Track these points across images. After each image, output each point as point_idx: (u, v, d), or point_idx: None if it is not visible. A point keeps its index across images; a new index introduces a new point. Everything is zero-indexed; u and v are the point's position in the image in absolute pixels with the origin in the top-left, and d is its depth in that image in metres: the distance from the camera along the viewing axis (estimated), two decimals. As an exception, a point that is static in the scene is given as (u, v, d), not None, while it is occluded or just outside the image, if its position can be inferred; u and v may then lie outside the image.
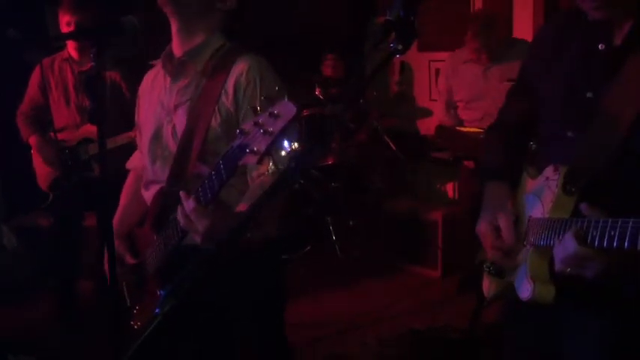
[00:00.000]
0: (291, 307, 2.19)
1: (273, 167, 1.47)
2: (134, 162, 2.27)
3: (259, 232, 1.70)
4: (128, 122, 3.12)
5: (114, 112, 3.35)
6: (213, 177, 1.62)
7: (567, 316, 1.57)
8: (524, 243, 1.56)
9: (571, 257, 1.29)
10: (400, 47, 1.11)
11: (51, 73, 3.65)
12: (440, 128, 4.41)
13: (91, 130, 3.52)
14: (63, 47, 3.67)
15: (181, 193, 1.71)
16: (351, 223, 4.95)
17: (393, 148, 4.97)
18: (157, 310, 1.08)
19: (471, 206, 1.99)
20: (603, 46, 1.47)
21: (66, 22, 3.51)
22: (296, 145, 1.36)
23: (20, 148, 3.85)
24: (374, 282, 4.55)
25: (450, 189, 5.22)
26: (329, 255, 4.80)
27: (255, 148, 1.41)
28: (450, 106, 4.44)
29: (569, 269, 1.32)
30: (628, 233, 1.15)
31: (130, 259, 2.10)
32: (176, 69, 1.97)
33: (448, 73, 4.44)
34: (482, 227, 1.66)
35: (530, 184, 1.63)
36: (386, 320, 3.96)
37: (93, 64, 1.65)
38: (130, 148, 2.59)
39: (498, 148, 1.82)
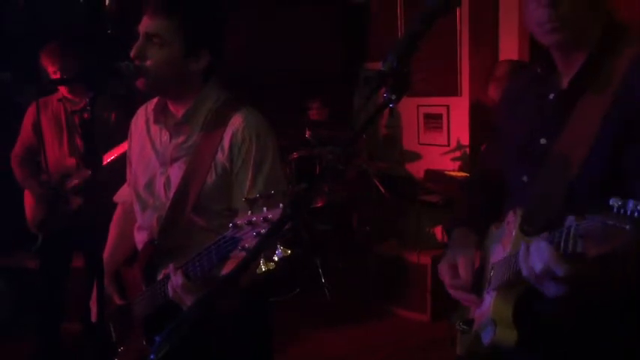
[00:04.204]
0: (277, 350, 2.18)
1: (263, 267, 1.51)
2: (122, 195, 2.27)
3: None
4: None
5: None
6: (204, 258, 1.68)
7: None
8: (488, 289, 1.56)
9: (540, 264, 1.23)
10: (394, 97, 1.13)
11: (44, 115, 3.65)
12: (429, 172, 4.45)
13: (70, 163, 3.54)
14: (55, 90, 3.69)
15: (171, 267, 1.76)
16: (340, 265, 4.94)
17: (382, 190, 5.00)
18: (152, 357, 1.08)
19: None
20: (553, 95, 1.54)
21: (52, 72, 3.55)
22: (288, 251, 1.45)
23: (7, 188, 3.82)
24: (362, 325, 4.51)
25: (439, 232, 5.23)
26: (317, 298, 4.78)
27: (246, 245, 1.50)
28: None
29: (537, 271, 1.24)
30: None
31: (117, 300, 2.11)
32: (174, 128, 1.99)
33: None
34: (441, 268, 1.67)
35: (494, 233, 1.66)
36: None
37: (88, 106, 1.67)
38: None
39: (472, 199, 1.87)
